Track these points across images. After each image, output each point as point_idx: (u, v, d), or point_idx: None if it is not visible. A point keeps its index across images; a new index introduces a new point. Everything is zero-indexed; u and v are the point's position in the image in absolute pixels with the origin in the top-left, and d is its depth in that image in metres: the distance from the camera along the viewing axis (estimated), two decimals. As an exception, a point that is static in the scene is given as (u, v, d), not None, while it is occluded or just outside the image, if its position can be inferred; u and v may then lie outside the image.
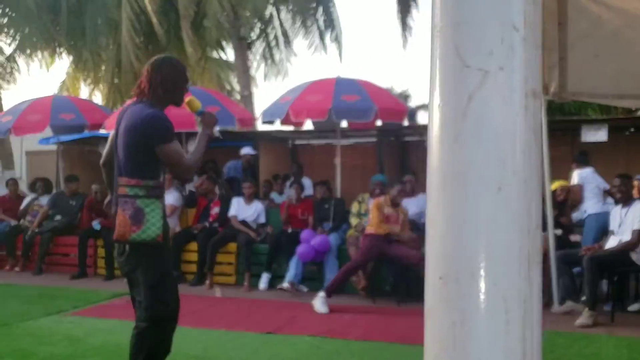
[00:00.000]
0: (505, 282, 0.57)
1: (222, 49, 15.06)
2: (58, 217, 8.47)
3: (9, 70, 15.69)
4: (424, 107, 29.88)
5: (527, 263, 0.58)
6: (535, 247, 0.59)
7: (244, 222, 7.44)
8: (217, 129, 3.17)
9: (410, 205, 6.71)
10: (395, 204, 6.19)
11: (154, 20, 11.67)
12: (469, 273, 0.57)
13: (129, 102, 3.26)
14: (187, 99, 3.16)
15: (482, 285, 0.56)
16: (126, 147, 2.96)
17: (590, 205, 6.39)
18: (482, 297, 0.56)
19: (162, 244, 2.98)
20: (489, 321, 0.56)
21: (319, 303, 5.71)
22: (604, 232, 5.98)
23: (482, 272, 0.56)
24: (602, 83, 5.07)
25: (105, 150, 3.26)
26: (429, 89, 0.62)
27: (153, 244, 2.93)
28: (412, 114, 7.70)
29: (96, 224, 7.89)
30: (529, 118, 0.59)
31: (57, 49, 15.18)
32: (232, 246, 7.30)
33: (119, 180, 2.99)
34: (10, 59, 15.60)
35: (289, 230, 7.15)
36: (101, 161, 3.28)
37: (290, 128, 8.89)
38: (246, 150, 8.71)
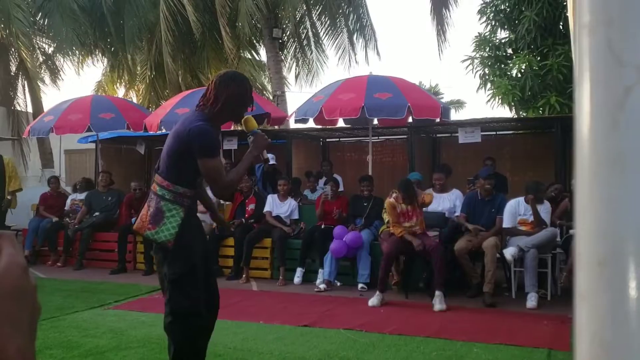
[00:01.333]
0: None
1: (255, 49, 15.24)
2: (96, 214, 8.72)
3: (48, 71, 16.15)
4: (453, 103, 29.77)
5: None
6: None
7: (278, 218, 7.59)
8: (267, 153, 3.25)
9: (443, 200, 6.76)
10: (405, 200, 6.23)
11: (192, 18, 11.85)
12: (628, 256, 0.60)
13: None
14: (245, 117, 3.16)
15: (641, 267, 0.58)
16: (169, 150, 3.02)
17: None
18: None
19: (174, 248, 2.97)
20: None
21: (374, 297, 5.88)
22: None
23: None
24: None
25: None
26: (575, 84, 0.65)
27: (164, 246, 2.97)
28: (446, 110, 7.69)
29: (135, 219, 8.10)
30: None
31: (94, 50, 15.54)
32: (267, 241, 7.45)
33: (155, 176, 3.05)
34: (50, 59, 16.06)
35: (322, 226, 7.25)
36: None
37: (322, 126, 8.97)
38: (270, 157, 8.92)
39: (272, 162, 8.69)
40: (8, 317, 0.57)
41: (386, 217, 6.91)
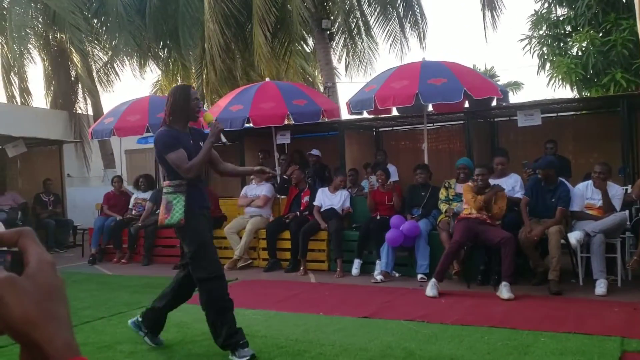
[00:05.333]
0: None
1: (305, 42, 15.22)
2: (159, 211, 8.93)
3: (105, 76, 16.68)
4: (510, 85, 28.93)
5: None
6: None
7: (331, 210, 7.56)
8: (223, 137, 4.35)
9: (502, 184, 6.58)
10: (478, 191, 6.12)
11: (232, 12, 11.94)
12: None
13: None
14: (203, 115, 4.19)
15: None
16: (157, 159, 4.17)
17: None
18: None
19: (185, 226, 3.88)
20: None
21: (429, 287, 5.73)
22: None
23: None
24: None
25: None
26: None
27: (178, 227, 3.91)
28: (504, 93, 7.45)
29: None
30: None
31: (148, 52, 15.92)
32: (323, 234, 7.46)
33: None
34: (107, 64, 16.59)
35: (378, 217, 7.19)
36: None
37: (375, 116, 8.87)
38: (313, 152, 9.02)
39: (318, 154, 8.87)
40: (51, 315, 0.61)
41: (443, 206, 6.80)
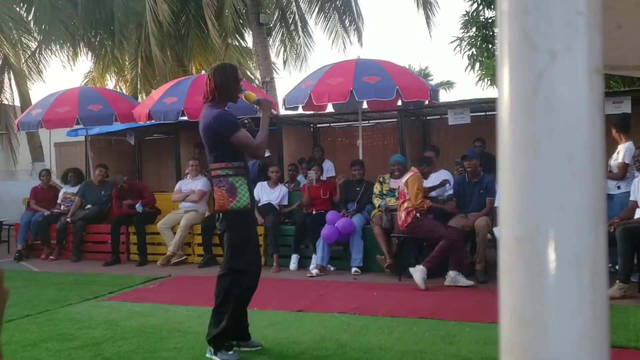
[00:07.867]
0: (576, 240, 0.64)
1: (242, 36, 15.12)
2: (88, 206, 8.71)
3: (35, 66, 15.97)
4: (443, 84, 29.70)
5: (595, 223, 0.64)
6: (602, 209, 0.65)
7: (268, 205, 7.58)
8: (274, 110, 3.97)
9: (432, 179, 6.82)
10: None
11: (163, 13, 11.74)
12: (543, 233, 0.64)
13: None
14: (243, 94, 3.89)
15: (556, 244, 0.64)
16: (208, 143, 3.82)
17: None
18: (556, 254, 0.64)
19: (250, 210, 3.80)
20: (563, 274, 0.63)
21: (420, 277, 5.78)
22: None
23: (555, 233, 0.64)
24: (624, 55, 5.03)
25: None
26: (497, 69, 0.69)
27: (245, 210, 3.74)
28: (435, 92, 7.67)
29: (139, 206, 8.09)
30: (593, 93, 0.65)
31: (80, 43, 15.39)
32: (260, 229, 7.44)
33: (210, 166, 3.86)
34: (36, 54, 15.89)
35: (314, 211, 7.26)
36: None
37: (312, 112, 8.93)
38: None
39: (267, 154, 8.71)
40: None
41: (376, 201, 6.95)
